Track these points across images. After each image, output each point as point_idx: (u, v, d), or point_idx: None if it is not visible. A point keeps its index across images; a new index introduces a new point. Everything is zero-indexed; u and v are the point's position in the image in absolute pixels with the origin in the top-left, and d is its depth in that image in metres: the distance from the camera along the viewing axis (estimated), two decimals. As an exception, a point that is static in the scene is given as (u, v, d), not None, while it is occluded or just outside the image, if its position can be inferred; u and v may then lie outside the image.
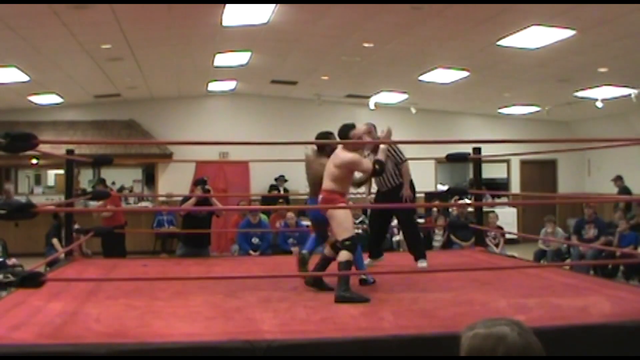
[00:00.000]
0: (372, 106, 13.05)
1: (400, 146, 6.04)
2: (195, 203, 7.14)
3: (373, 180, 5.95)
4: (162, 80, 11.78)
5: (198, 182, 7.54)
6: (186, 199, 7.62)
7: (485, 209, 10.33)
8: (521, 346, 1.56)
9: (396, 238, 10.73)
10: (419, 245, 6.11)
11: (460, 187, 10.86)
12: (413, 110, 13.26)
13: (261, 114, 13.73)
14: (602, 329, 3.59)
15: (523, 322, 1.63)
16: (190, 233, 7.31)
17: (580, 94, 11.02)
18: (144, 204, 13.59)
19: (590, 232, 9.36)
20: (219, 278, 5.25)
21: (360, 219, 10.21)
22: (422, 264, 5.88)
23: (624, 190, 11.96)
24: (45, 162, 12.67)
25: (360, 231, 9.88)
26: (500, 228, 10.44)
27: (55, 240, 8.87)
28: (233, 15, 7.43)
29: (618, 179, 12.09)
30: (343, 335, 3.46)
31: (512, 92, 11.75)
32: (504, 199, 13.35)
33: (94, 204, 10.82)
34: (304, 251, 5.29)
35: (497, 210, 12.01)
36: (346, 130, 4.93)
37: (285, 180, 12.96)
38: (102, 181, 9.51)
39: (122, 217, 9.08)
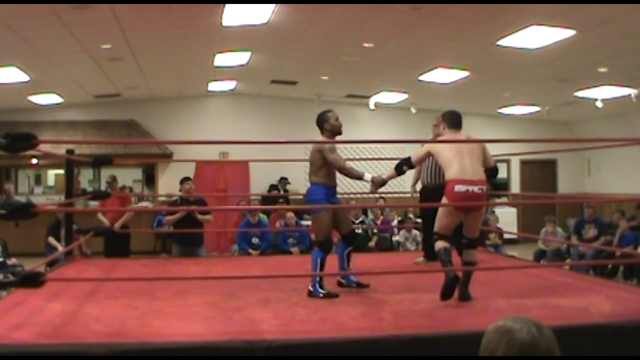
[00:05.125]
0: (372, 106, 13.06)
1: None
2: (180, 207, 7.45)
3: (420, 177, 6.18)
4: (162, 80, 11.78)
5: (182, 181, 7.84)
6: (172, 205, 7.89)
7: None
8: (525, 343, 1.57)
9: (396, 238, 10.73)
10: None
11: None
12: (413, 110, 13.26)
13: (261, 114, 13.73)
14: (602, 329, 3.60)
15: (543, 323, 1.64)
16: (182, 233, 7.43)
17: (580, 94, 11.01)
18: (144, 204, 13.58)
19: (590, 232, 9.36)
20: (219, 278, 5.25)
21: (360, 219, 10.19)
22: (420, 259, 6.28)
23: None
24: (45, 162, 12.67)
25: (360, 231, 9.90)
26: (498, 228, 10.46)
27: (51, 239, 8.84)
28: (233, 15, 7.43)
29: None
30: (343, 335, 3.46)
31: (512, 92, 11.75)
32: (504, 199, 13.34)
33: (94, 204, 10.79)
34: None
35: (497, 210, 12.03)
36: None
37: (288, 183, 12.95)
38: (114, 179, 9.34)
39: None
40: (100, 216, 8.59)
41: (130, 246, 8.99)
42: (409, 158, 4.79)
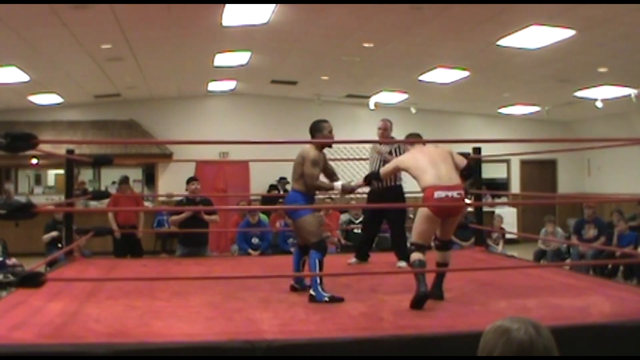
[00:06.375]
0: (372, 106, 13.05)
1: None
2: (185, 207, 7.41)
3: None
4: (162, 80, 11.78)
5: (188, 180, 7.71)
6: (178, 205, 7.82)
7: (487, 208, 10.35)
8: (523, 343, 1.57)
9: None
10: (404, 246, 6.18)
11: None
12: (413, 110, 13.26)
13: (261, 114, 13.73)
14: (602, 329, 3.59)
15: (541, 323, 1.64)
16: (187, 233, 7.38)
17: (580, 94, 11.01)
18: (144, 204, 13.56)
19: (590, 232, 9.35)
20: (219, 278, 5.25)
21: (360, 219, 10.18)
22: (401, 264, 6.05)
23: None
24: (45, 162, 12.66)
25: (359, 231, 9.90)
26: (502, 229, 10.47)
27: (45, 237, 8.84)
28: (233, 15, 7.43)
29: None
30: (343, 335, 3.46)
31: (512, 92, 11.75)
32: (504, 199, 13.35)
33: (94, 204, 10.78)
34: None
35: (497, 210, 12.03)
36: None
37: (287, 183, 12.95)
38: (126, 180, 9.30)
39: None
40: (110, 217, 8.61)
41: (142, 246, 9.10)
42: (378, 173, 4.93)
